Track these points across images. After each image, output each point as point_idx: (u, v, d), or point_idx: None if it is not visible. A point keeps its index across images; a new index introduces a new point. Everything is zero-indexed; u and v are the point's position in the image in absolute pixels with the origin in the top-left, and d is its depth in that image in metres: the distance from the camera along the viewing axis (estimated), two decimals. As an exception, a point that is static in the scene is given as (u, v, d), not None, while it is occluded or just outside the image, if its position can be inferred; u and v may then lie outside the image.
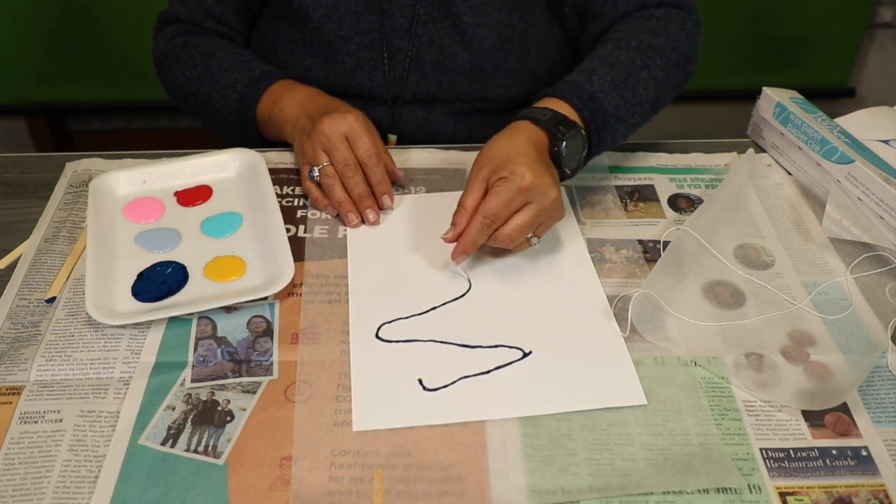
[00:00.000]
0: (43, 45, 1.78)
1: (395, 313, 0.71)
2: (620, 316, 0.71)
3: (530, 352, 0.68)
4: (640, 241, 0.80)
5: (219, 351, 0.68)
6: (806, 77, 1.94)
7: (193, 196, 0.83)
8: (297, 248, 0.78)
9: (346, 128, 0.81)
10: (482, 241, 0.73)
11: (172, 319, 0.70)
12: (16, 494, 0.57)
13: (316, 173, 0.82)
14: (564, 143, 0.77)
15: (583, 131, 0.79)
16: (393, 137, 0.97)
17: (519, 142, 0.75)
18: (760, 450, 0.61)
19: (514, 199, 0.71)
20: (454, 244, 0.73)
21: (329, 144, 0.81)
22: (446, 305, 0.73)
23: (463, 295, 0.74)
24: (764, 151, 0.95)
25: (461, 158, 0.91)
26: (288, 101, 0.88)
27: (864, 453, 0.61)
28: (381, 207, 0.82)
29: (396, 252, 0.78)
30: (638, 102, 0.84)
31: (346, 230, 0.81)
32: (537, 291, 0.74)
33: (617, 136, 0.84)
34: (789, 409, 0.64)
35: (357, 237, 0.80)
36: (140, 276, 0.74)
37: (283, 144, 0.91)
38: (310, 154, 0.82)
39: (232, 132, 0.93)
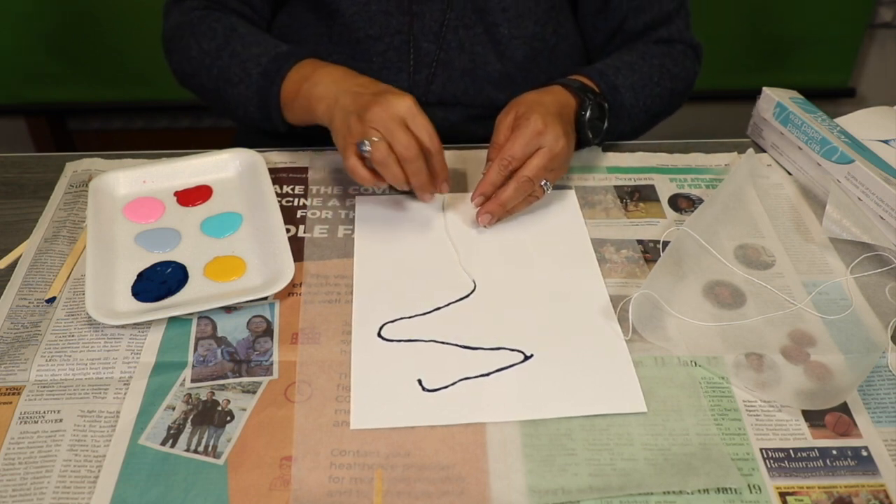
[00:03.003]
0: (43, 45, 1.78)
1: (399, 312, 0.71)
2: (622, 318, 0.71)
3: (531, 355, 0.68)
4: (640, 241, 0.80)
5: (219, 351, 0.68)
6: (806, 77, 1.94)
7: (193, 196, 0.83)
8: (297, 248, 0.78)
9: (404, 110, 0.75)
10: (500, 183, 0.78)
11: (172, 319, 0.70)
12: (16, 494, 0.57)
13: (367, 147, 0.74)
14: (590, 108, 0.85)
15: (606, 105, 0.87)
16: None
17: (546, 99, 0.83)
18: (760, 450, 0.61)
19: (529, 141, 0.78)
20: (478, 209, 0.80)
21: (387, 126, 0.74)
22: (450, 306, 0.73)
23: (467, 296, 0.74)
24: (764, 151, 0.95)
25: (465, 157, 0.91)
26: (320, 77, 0.82)
27: (865, 453, 0.61)
28: (440, 192, 0.80)
29: (402, 251, 0.78)
30: (644, 110, 0.91)
31: (346, 230, 0.81)
32: (542, 292, 0.74)
33: (622, 129, 0.91)
34: (789, 409, 0.64)
35: (364, 236, 0.80)
36: (140, 276, 0.74)
37: (296, 132, 0.89)
38: (358, 132, 0.75)
39: (246, 110, 0.88)
